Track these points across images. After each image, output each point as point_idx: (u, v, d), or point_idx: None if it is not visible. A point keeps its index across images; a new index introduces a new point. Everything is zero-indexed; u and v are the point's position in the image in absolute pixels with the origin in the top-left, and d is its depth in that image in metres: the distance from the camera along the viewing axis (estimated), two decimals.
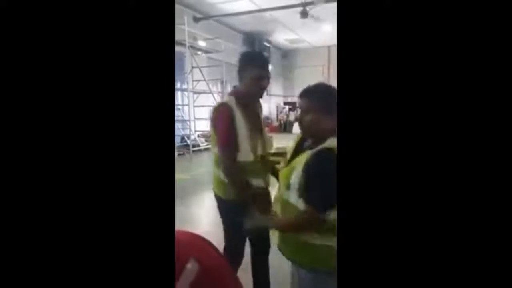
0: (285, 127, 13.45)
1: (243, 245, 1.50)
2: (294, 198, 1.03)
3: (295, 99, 13.50)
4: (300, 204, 1.01)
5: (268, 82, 1.42)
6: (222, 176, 1.44)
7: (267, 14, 8.45)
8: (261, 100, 1.56)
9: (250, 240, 1.59)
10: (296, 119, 1.14)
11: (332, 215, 0.97)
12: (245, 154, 1.39)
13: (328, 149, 0.98)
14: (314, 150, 1.00)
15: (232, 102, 1.40)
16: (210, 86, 8.22)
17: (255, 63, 1.39)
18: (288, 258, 1.12)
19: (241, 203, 1.39)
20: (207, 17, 8.50)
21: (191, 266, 0.54)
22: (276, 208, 1.15)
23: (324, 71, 13.27)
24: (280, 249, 1.14)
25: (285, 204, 1.07)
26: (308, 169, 0.98)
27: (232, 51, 8.75)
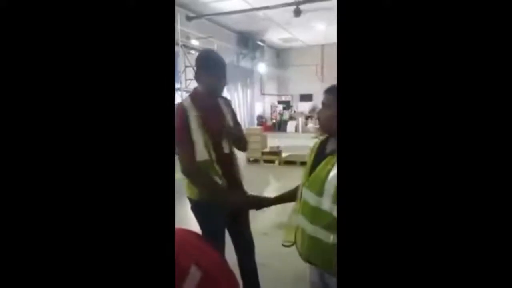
0: (279, 126, 13.46)
1: (223, 246, 1.48)
2: (327, 204, 0.99)
3: (289, 98, 13.57)
4: (335, 211, 0.97)
5: (224, 83, 1.44)
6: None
7: (260, 13, 8.44)
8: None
9: (233, 242, 1.59)
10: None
11: None
12: (201, 153, 1.38)
13: None
14: None
15: (187, 102, 1.41)
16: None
17: (210, 64, 1.41)
18: (309, 262, 1.08)
19: (209, 203, 1.39)
20: (200, 16, 8.46)
21: (193, 272, 0.54)
22: (295, 236, 1.12)
23: (317, 70, 13.31)
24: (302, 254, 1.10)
25: (316, 212, 1.03)
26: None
27: (225, 50, 8.73)
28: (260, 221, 3.03)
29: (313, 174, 1.05)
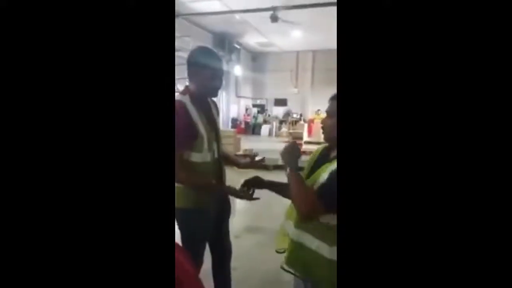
0: (253, 129, 13.50)
1: (203, 253, 1.45)
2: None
3: (264, 101, 13.58)
4: (322, 217, 0.97)
5: (221, 82, 1.35)
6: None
7: (238, 16, 8.46)
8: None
9: (211, 248, 1.55)
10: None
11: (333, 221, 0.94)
12: (205, 155, 1.31)
13: None
14: None
15: (186, 100, 1.30)
16: (178, 85, 8.05)
17: (208, 61, 1.30)
18: (292, 270, 1.05)
19: (195, 210, 1.34)
20: (176, 15, 8.33)
21: None
22: (283, 242, 1.10)
23: (292, 76, 13.52)
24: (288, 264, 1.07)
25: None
26: (334, 175, 0.93)
27: None
28: (232, 225, 3.02)
29: (309, 178, 1.04)
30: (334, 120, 1.00)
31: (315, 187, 0.98)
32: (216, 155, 1.39)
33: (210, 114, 1.39)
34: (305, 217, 0.99)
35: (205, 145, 1.31)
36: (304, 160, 1.22)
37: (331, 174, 0.95)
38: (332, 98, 1.04)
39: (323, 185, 0.96)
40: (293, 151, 1.05)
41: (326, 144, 1.12)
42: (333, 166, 0.97)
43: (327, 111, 1.06)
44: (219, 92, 1.45)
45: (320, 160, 1.08)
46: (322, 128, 1.08)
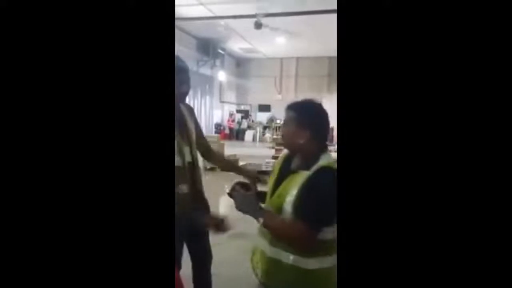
0: (237, 135, 13.49)
1: (180, 256, 1.44)
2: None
3: (248, 107, 13.60)
4: None
5: (187, 87, 1.39)
6: None
7: (222, 21, 8.48)
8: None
9: (189, 251, 1.54)
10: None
11: (329, 234, 0.95)
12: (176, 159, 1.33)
13: (326, 168, 0.96)
14: (312, 171, 0.97)
15: None
16: None
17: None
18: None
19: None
20: None
21: None
22: (257, 258, 1.09)
23: (276, 83, 13.64)
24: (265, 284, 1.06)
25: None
26: (308, 190, 0.94)
27: (185, 56, 8.58)
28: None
29: (274, 195, 1.04)
30: (290, 128, 1.03)
31: (285, 203, 0.97)
32: (188, 160, 1.39)
33: (182, 120, 1.41)
34: (307, 248, 0.97)
35: (176, 149, 1.32)
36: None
37: (299, 190, 0.96)
38: (287, 108, 1.08)
39: (298, 206, 0.96)
40: (246, 198, 1.03)
41: (287, 152, 1.14)
42: (298, 178, 0.98)
43: (284, 120, 1.08)
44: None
45: (284, 170, 1.09)
46: (282, 136, 1.11)
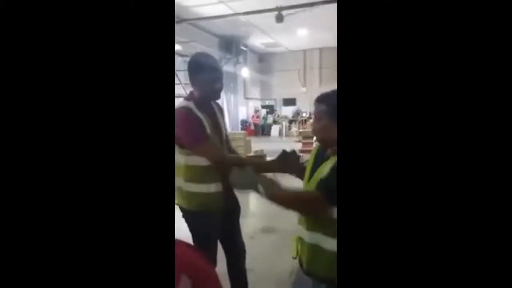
0: (263, 130, 13.50)
1: (215, 253, 1.46)
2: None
3: (273, 102, 13.54)
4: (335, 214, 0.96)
5: (221, 84, 1.40)
6: (183, 185, 1.39)
7: (243, 18, 8.48)
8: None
9: (224, 248, 1.57)
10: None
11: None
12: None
13: None
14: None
15: (191, 105, 1.36)
16: (187, 90, 8.13)
17: (206, 66, 1.37)
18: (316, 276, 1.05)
19: (204, 212, 1.37)
20: (181, 20, 8.41)
21: (184, 281, 0.54)
22: (297, 248, 1.11)
23: (300, 75, 13.47)
24: (310, 271, 1.07)
25: (311, 218, 1.04)
26: (335, 170, 0.95)
27: None
28: (246, 225, 3.03)
29: (310, 181, 1.05)
30: (322, 123, 1.01)
31: (319, 183, 0.99)
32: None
33: (214, 117, 1.44)
34: (312, 210, 1.00)
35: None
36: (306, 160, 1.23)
37: (330, 169, 0.97)
38: (317, 100, 1.04)
39: (322, 180, 0.98)
40: (242, 172, 1.05)
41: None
42: (331, 162, 0.99)
43: (314, 115, 1.06)
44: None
45: (318, 159, 1.09)
46: (312, 131, 1.09)
